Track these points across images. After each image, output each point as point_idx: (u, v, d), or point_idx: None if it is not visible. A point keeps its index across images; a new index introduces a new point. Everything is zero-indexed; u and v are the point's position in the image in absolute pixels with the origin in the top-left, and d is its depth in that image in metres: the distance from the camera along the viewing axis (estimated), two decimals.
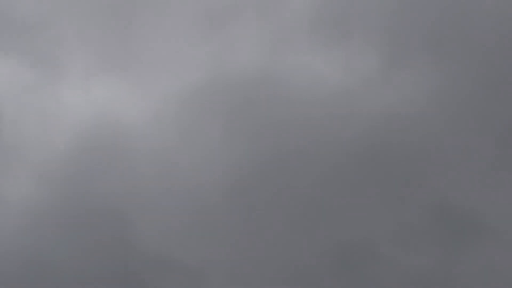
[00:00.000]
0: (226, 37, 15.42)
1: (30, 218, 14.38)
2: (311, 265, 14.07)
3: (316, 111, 15.00)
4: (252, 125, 14.92)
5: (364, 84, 15.11)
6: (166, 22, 15.44)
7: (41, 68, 15.36)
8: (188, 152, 14.74)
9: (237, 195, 14.43)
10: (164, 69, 15.22)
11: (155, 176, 14.60)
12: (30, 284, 13.95)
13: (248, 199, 14.44)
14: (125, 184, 14.54)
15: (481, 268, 13.73)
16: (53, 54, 15.40)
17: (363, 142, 14.73)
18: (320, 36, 15.37)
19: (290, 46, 15.31)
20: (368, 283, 13.92)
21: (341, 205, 14.44)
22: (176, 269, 14.17)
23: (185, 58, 15.40)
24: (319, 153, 14.76)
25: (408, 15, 15.20)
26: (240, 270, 14.10)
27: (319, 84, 15.11)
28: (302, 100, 15.03)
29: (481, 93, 14.73)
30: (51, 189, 14.62)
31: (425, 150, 14.61)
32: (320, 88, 15.10)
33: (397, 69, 15.11)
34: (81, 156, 14.78)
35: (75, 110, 15.05)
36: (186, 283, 14.09)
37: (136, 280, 14.06)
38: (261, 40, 15.31)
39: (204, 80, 15.09)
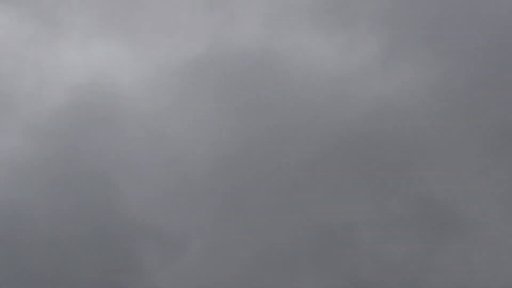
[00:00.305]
0: (228, 10, 15.41)
1: (16, 171, 14.40)
2: (289, 244, 14.08)
3: (311, 93, 14.99)
4: (245, 101, 14.91)
5: (362, 71, 15.09)
6: None
7: (41, 23, 15.36)
8: (179, 121, 14.75)
9: (223, 168, 14.44)
10: (164, 37, 15.21)
11: (144, 142, 14.61)
12: (7, 236, 13.98)
13: (234, 174, 14.45)
14: (114, 146, 14.55)
15: (458, 263, 13.74)
16: (55, 9, 15.41)
17: (355, 128, 14.72)
18: (323, 19, 15.35)
19: (291, 26, 15.29)
20: (345, 268, 13.94)
21: (326, 189, 14.43)
22: (156, 236, 14.19)
23: (186, 28, 15.39)
24: (309, 136, 14.75)
25: (411, 6, 15.16)
26: (219, 243, 14.13)
27: (316, 67, 15.09)
28: (298, 81, 15.02)
29: (477, 90, 14.70)
30: (40, 144, 14.64)
31: (416, 142, 14.59)
32: (317, 71, 15.08)
33: (397, 59, 15.09)
34: (73, 114, 14.79)
35: (72, 68, 15.06)
36: (165, 251, 14.12)
37: (115, 244, 14.09)
38: (263, 17, 15.30)
39: (203, 51, 15.09)
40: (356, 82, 15.00)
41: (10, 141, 14.64)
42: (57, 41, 15.27)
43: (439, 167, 14.34)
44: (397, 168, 14.44)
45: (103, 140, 14.59)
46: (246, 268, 13.97)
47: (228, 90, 14.86)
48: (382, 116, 14.75)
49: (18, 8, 15.53)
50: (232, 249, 14.08)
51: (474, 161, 14.37)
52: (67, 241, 13.96)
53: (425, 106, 14.79)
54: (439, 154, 14.48)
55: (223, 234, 14.15)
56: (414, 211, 14.12)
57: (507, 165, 14.29)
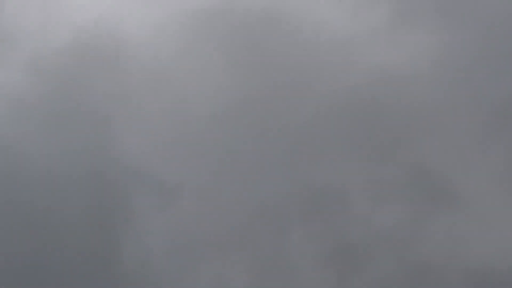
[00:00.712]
0: None
1: (15, 106, 14.42)
2: (281, 201, 14.18)
3: (315, 54, 14.96)
4: (250, 56, 14.89)
5: (369, 36, 15.05)
6: None
7: None
8: (182, 70, 14.73)
9: (223, 121, 14.47)
10: None
11: (146, 88, 14.61)
12: (1, 169, 14.05)
13: (233, 128, 14.48)
14: (115, 90, 14.55)
15: (447, 234, 13.86)
16: None
17: (356, 93, 14.73)
18: None
19: None
20: (334, 231, 14.05)
21: (322, 151, 14.49)
22: (151, 183, 14.27)
23: None
24: (309, 96, 14.76)
25: None
26: (213, 194, 14.22)
27: (323, 27, 15.04)
28: (303, 41, 14.98)
29: (482, 65, 14.69)
30: (41, 81, 14.64)
31: (415, 112, 14.62)
32: (324, 32, 15.03)
33: (405, 26, 15.03)
34: (76, 54, 14.76)
35: (79, 7, 14.99)
36: (159, 199, 14.20)
37: (109, 187, 14.16)
38: None
39: (213, 2, 15.00)
40: (362, 46, 14.96)
41: (11, 76, 14.63)
42: None
43: (437, 138, 14.39)
44: (395, 136, 14.47)
45: (104, 82, 14.60)
46: (238, 221, 14.08)
47: (234, 44, 14.82)
48: (384, 83, 14.74)
49: None
50: (225, 202, 14.18)
51: (472, 135, 14.42)
52: (61, 178, 14.03)
53: (428, 77, 14.77)
54: (438, 125, 14.51)
55: (217, 185, 14.24)
56: (407, 179, 14.18)
57: (505, 140, 14.34)
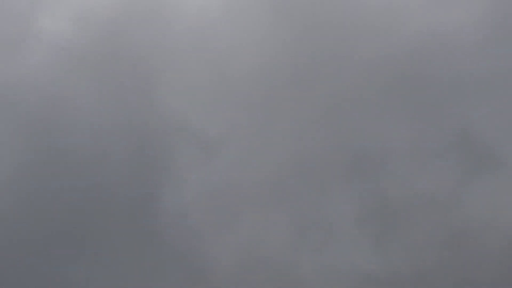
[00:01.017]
0: None
1: (62, 55, 14.45)
2: (321, 160, 14.12)
3: (362, 17, 14.84)
4: (295, 15, 14.80)
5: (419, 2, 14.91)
6: None
7: None
8: (230, 25, 14.68)
9: (265, 75, 14.42)
10: None
11: (191, 40, 14.59)
12: (43, 119, 14.10)
13: (276, 83, 14.43)
14: (160, 41, 14.54)
15: (488, 200, 13.74)
16: None
17: (402, 55, 14.60)
18: None
19: None
20: (374, 193, 13.98)
21: (365, 111, 14.40)
22: (193, 135, 14.26)
23: None
24: (356, 57, 14.66)
25: None
26: (253, 149, 14.19)
27: None
28: (350, 3, 14.86)
29: None
30: (88, 31, 14.65)
31: (463, 77, 14.47)
32: None
33: None
34: (124, 5, 14.74)
35: None
36: (200, 151, 14.20)
37: (152, 138, 14.18)
38: None
39: None
40: (411, 11, 14.83)
41: (59, 25, 14.67)
42: None
43: (482, 103, 14.23)
44: (439, 98, 14.34)
45: (150, 34, 14.58)
46: (278, 177, 14.05)
47: (283, 4, 14.75)
48: (432, 47, 14.59)
49: None
50: (266, 157, 14.15)
51: None
52: (104, 127, 14.08)
53: (478, 46, 14.61)
54: (484, 90, 14.36)
55: (258, 140, 14.21)
56: (451, 142, 14.06)
57: None
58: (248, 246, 13.79)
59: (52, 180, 13.91)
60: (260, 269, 13.64)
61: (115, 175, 13.98)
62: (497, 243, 13.58)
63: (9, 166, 13.92)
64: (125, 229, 13.83)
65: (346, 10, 14.75)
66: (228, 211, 13.99)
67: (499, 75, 14.43)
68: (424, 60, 14.51)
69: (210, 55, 14.52)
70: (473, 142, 14.06)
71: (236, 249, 13.77)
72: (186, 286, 13.57)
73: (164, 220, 13.90)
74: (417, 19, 14.77)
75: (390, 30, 14.69)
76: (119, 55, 14.49)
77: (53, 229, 13.67)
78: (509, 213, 13.65)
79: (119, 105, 14.26)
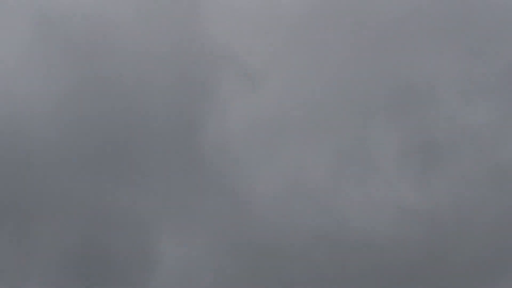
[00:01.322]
0: None
1: None
2: (366, 94, 14.00)
3: None
4: None
5: None
6: None
7: None
8: None
9: (313, 12, 14.23)
10: None
11: None
12: (89, 47, 14.09)
13: (322, 19, 14.25)
14: None
15: None
16: None
17: None
18: None
19: None
20: (418, 126, 13.85)
21: (411, 45, 14.20)
22: (236, 68, 14.18)
23: None
24: None
25: None
26: (296, 82, 14.10)
27: None
28: None
29: None
30: None
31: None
32: None
33: None
34: None
35: None
36: (243, 83, 14.14)
37: (196, 69, 14.10)
38: None
39: None
40: None
41: None
42: None
43: None
44: (487, 33, 14.10)
45: None
46: (320, 110, 13.98)
47: None
48: None
49: None
50: (309, 91, 14.06)
51: None
52: (149, 54, 14.06)
53: None
54: None
55: (302, 74, 14.10)
56: (499, 78, 13.84)
57: None
58: (289, 176, 13.80)
59: (100, 105, 13.98)
60: (301, 200, 13.66)
61: (159, 102, 14.00)
62: None
63: (59, 92, 14.02)
64: (169, 154, 13.92)
65: None
66: (270, 142, 13.98)
67: None
68: None
69: None
70: None
71: (278, 179, 13.79)
72: (227, 213, 13.66)
73: (207, 148, 13.94)
74: None
75: None
76: None
77: (102, 152, 13.82)
78: None
79: (165, 34, 14.21)
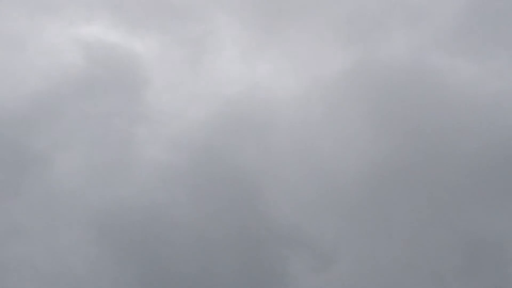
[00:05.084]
0: (377, 33, 15.63)
1: (167, 177, 14.55)
2: (434, 258, 13.88)
3: (462, 114, 14.93)
4: (397, 120, 14.92)
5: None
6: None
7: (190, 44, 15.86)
8: (329, 135, 14.83)
9: (372, 182, 14.39)
10: (316, 53, 15.47)
11: (293, 153, 14.70)
12: (156, 236, 14.08)
13: (383, 189, 14.39)
14: (262, 156, 14.67)
15: None
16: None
17: (504, 148, 14.59)
18: (472, 41, 15.42)
19: (442, 47, 15.38)
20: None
21: (474, 207, 14.26)
22: (305, 246, 14.09)
23: (334, 47, 15.64)
24: (459, 156, 14.66)
25: None
26: (367, 258, 13.99)
27: (470, 87, 15.04)
28: (448, 99, 15.00)
29: None
30: (187, 155, 14.80)
31: None
32: (469, 93, 15.02)
33: None
34: (222, 125, 15.01)
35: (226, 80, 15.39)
36: (313, 262, 14.01)
37: (263, 251, 14.01)
38: (413, 34, 15.42)
39: (355, 68, 15.23)
40: (506, 103, 14.93)
41: (161, 150, 14.90)
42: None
43: None
44: None
45: (252, 149, 14.74)
46: (392, 283, 13.79)
47: (380, 107, 14.92)
48: None
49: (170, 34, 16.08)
50: (380, 264, 13.92)
51: None
52: (213, 241, 14.03)
53: None
54: None
55: (371, 247, 14.02)
56: None
57: None
58: None
59: None
60: None
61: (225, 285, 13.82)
62: None
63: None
64: None
65: (444, 108, 14.85)
66: None
67: None
68: None
69: (314, 167, 14.57)
70: None
71: None
72: None
73: None
74: None
75: (489, 124, 14.73)
76: (223, 173, 14.52)
77: None
78: None
79: (227, 218, 14.18)
